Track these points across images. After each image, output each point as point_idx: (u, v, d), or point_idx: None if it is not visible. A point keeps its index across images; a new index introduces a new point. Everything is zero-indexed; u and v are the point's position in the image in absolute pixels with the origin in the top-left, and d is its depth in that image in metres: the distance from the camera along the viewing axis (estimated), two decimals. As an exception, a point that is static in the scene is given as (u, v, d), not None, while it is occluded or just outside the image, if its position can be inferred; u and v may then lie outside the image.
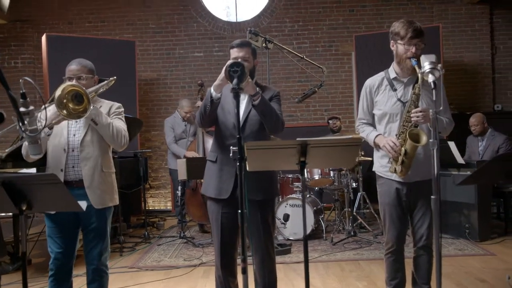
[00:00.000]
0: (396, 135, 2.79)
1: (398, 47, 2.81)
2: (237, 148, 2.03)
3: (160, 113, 8.12)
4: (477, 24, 7.86)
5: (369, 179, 6.05)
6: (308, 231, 5.40)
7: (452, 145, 5.18)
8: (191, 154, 5.95)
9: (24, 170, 4.47)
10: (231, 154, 2.30)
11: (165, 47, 8.16)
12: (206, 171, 2.88)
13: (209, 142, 5.62)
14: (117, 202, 2.90)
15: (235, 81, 2.18)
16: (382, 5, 8.04)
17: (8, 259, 4.73)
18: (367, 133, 2.97)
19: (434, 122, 2.32)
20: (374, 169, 3.02)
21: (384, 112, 2.86)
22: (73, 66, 2.81)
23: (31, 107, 2.04)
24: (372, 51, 6.95)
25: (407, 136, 2.68)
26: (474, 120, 6.06)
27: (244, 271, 2.05)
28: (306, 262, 2.25)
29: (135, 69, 7.44)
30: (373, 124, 2.99)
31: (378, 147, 2.89)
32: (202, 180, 5.68)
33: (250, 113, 2.75)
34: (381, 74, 2.96)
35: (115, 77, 3.05)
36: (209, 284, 3.95)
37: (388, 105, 2.85)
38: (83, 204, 2.15)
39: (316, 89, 5.72)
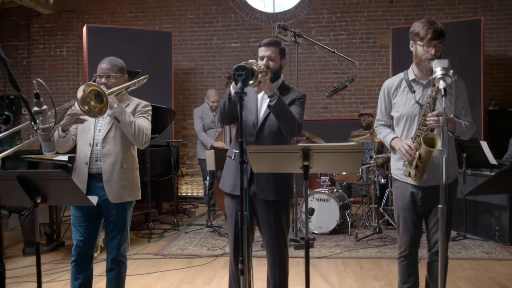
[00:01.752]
0: (411, 138, 2.76)
1: (418, 48, 2.76)
2: (239, 151, 2.08)
3: (196, 102, 8.25)
4: (523, 16, 7.52)
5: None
6: (333, 226, 5.43)
7: (484, 144, 5.03)
8: (219, 144, 6.06)
9: (60, 157, 4.73)
10: (233, 157, 2.34)
11: (203, 37, 8.28)
12: (225, 166, 2.95)
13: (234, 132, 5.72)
14: (138, 197, 3.01)
15: (239, 84, 2.21)
16: (423, -4, 7.82)
17: (45, 240, 5.03)
18: (384, 135, 2.96)
19: (444, 130, 2.28)
20: (391, 171, 3.00)
21: (402, 114, 2.82)
22: (103, 65, 2.91)
23: (44, 107, 2.18)
24: (409, 45, 6.77)
25: (422, 140, 2.65)
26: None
27: (243, 273, 2.11)
28: (307, 263, 2.29)
29: (172, 59, 7.60)
30: (391, 126, 2.97)
31: (394, 149, 2.88)
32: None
33: (271, 114, 2.76)
34: (400, 75, 2.92)
35: (147, 76, 3.16)
36: (228, 276, 4.05)
37: (406, 107, 2.81)
38: (93, 199, 2.29)
39: (347, 83, 5.68)
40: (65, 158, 4.66)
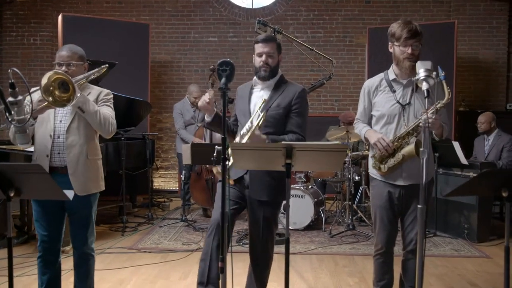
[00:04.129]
0: (395, 136, 2.78)
1: (395, 49, 2.81)
2: (221, 148, 2.07)
3: (173, 96, 8.21)
4: (495, 21, 7.72)
5: (373, 174, 6.08)
6: (308, 222, 5.48)
7: (456, 145, 5.16)
8: (197, 140, 6.04)
9: (31, 148, 4.61)
10: (214, 154, 2.34)
11: (180, 30, 8.21)
12: None
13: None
14: (102, 188, 2.94)
15: (223, 80, 2.19)
16: (400, -3, 7.95)
17: (15, 232, 4.92)
18: (360, 129, 3.02)
19: (426, 131, 2.32)
20: (368, 170, 3.05)
21: (382, 114, 2.87)
22: (63, 52, 2.79)
23: (20, 97, 2.09)
24: (385, 45, 6.83)
25: (416, 143, 2.68)
26: (482, 118, 6.02)
27: (222, 271, 2.10)
28: (287, 260, 2.31)
29: (149, 51, 7.51)
30: (369, 125, 3.01)
31: (367, 141, 2.92)
32: (207, 166, 5.86)
33: (267, 115, 2.77)
34: (380, 75, 2.96)
35: (107, 65, 3.07)
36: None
37: (387, 107, 2.85)
38: (69, 193, 2.23)
39: (325, 81, 5.74)
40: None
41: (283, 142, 2.41)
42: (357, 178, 5.80)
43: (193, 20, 8.20)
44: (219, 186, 2.86)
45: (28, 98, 2.34)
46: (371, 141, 2.87)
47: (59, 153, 2.76)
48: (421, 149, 2.24)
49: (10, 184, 2.12)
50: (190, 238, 5.09)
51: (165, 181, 8.41)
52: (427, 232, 5.32)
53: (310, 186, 5.80)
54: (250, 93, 2.94)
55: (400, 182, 2.83)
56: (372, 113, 2.95)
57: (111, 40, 7.00)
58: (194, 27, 8.20)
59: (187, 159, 5.48)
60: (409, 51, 2.73)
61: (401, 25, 2.76)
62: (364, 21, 7.97)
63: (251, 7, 8.30)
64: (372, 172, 2.97)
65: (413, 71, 2.73)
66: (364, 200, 6.16)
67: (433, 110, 2.63)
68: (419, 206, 2.26)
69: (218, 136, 5.73)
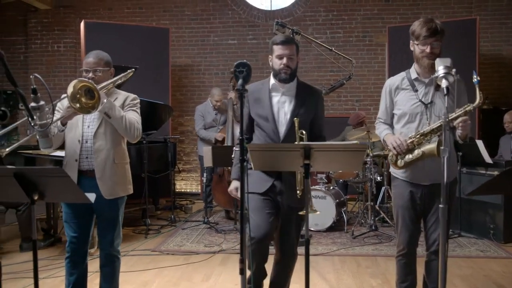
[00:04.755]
0: (419, 133, 2.75)
1: (415, 47, 2.79)
2: (239, 149, 2.09)
3: (194, 99, 8.28)
4: (518, 16, 7.57)
5: (395, 174, 6.01)
6: (330, 223, 5.46)
7: (480, 143, 5.07)
8: (221, 136, 6.08)
9: (57, 153, 4.72)
10: (233, 155, 2.35)
11: (200, 34, 8.28)
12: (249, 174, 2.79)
13: (238, 129, 5.73)
14: (130, 191, 3.00)
15: (240, 81, 2.18)
16: (419, -5, 7.86)
17: (42, 235, 5.04)
18: (380, 131, 3.01)
19: (446, 129, 2.29)
20: (390, 170, 3.02)
21: (404, 112, 2.84)
22: (90, 59, 2.87)
23: (42, 102, 2.14)
24: (406, 43, 6.76)
25: (438, 142, 2.65)
26: (509, 117, 5.89)
27: (242, 272, 2.11)
28: (307, 261, 2.31)
29: (169, 55, 7.60)
30: (391, 124, 2.99)
31: (385, 143, 2.91)
32: (229, 168, 5.88)
33: (294, 120, 2.71)
34: (402, 74, 2.93)
35: (133, 69, 3.14)
36: (225, 273, 4.09)
37: (408, 105, 2.82)
38: (91, 197, 2.27)
39: (344, 81, 5.69)
40: (62, 153, 4.64)
41: (300, 143, 2.40)
42: (379, 178, 5.75)
43: (213, 23, 8.26)
44: (252, 198, 2.75)
45: (52, 103, 2.40)
46: (387, 143, 2.86)
47: (87, 157, 2.84)
48: (442, 147, 2.22)
49: (34, 187, 2.18)
50: (212, 240, 5.13)
51: (187, 183, 8.48)
52: (451, 233, 5.23)
53: (331, 187, 5.78)
54: (270, 97, 2.84)
55: (422, 182, 2.79)
56: (393, 111, 2.92)
57: (132, 45, 7.10)
58: (213, 30, 8.26)
59: (208, 161, 5.54)
60: (428, 49, 2.70)
61: (421, 23, 2.74)
62: (384, 20, 7.90)
63: (269, 9, 8.32)
64: (394, 171, 2.94)
65: (432, 69, 2.70)
66: (387, 200, 6.09)
67: (461, 112, 2.60)
68: (440, 205, 2.22)
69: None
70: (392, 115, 2.94)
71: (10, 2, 8.03)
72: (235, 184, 2.87)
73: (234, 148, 2.77)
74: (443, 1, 7.81)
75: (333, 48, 5.52)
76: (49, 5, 8.16)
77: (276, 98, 2.84)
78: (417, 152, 2.74)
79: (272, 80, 2.87)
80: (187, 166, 8.48)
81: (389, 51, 7.14)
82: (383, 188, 5.93)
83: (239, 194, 2.53)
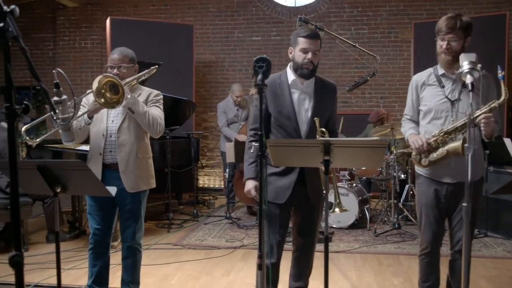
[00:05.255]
0: (443, 131, 2.70)
1: (436, 43, 2.76)
2: (258, 144, 2.08)
3: (217, 95, 8.32)
4: (551, 11, 7.33)
5: (419, 172, 5.92)
6: (352, 220, 5.42)
7: (508, 141, 4.95)
8: (241, 137, 6.09)
9: (83, 147, 4.81)
10: (252, 151, 2.34)
11: (224, 30, 8.31)
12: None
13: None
14: (153, 185, 3.06)
15: (260, 76, 2.15)
16: (447, -10, 7.69)
17: (67, 227, 5.15)
18: (405, 130, 2.97)
19: (470, 126, 2.24)
20: (415, 167, 2.98)
21: (430, 108, 2.79)
22: (114, 56, 2.92)
23: (64, 96, 2.19)
24: (432, 40, 6.66)
25: (463, 140, 2.59)
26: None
27: (260, 267, 2.11)
28: (326, 258, 2.31)
29: (193, 52, 7.65)
30: (417, 121, 2.94)
31: (408, 142, 2.88)
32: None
33: (314, 117, 2.68)
34: (429, 70, 2.89)
35: (157, 66, 3.17)
36: (246, 268, 4.10)
37: (434, 101, 2.78)
38: (112, 190, 2.32)
39: (369, 77, 5.63)
40: (87, 148, 4.72)
41: (320, 138, 2.38)
42: (402, 176, 5.68)
43: (237, 20, 8.27)
44: (270, 210, 2.64)
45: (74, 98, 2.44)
46: (409, 142, 2.82)
47: (111, 151, 2.90)
48: (466, 145, 2.17)
49: (57, 180, 2.23)
50: (234, 236, 5.15)
51: (210, 179, 8.54)
52: (477, 232, 5.13)
53: (354, 184, 5.73)
54: (290, 94, 2.74)
55: (447, 180, 2.74)
56: (419, 108, 2.88)
57: (157, 42, 7.18)
58: (237, 27, 8.27)
59: (230, 157, 5.57)
60: (444, 45, 2.67)
61: (444, 19, 2.71)
62: (410, 16, 7.77)
63: (294, 5, 8.28)
64: (418, 168, 2.89)
65: (449, 65, 2.70)
66: (410, 198, 6.01)
67: (486, 109, 2.54)
68: (464, 204, 2.18)
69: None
70: (418, 111, 2.90)
71: (40, 0, 8.21)
72: (253, 183, 2.72)
73: (246, 145, 2.74)
74: (471, -4, 7.64)
75: (357, 45, 5.46)
76: (77, 2, 8.31)
77: (295, 94, 2.74)
78: (441, 150, 2.69)
79: (291, 75, 2.76)
80: (210, 162, 8.53)
81: (415, 47, 7.03)
82: (407, 186, 5.85)
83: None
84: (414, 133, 2.86)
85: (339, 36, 5.45)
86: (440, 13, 7.60)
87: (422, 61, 6.71)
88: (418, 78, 2.88)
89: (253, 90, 6.14)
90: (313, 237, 2.90)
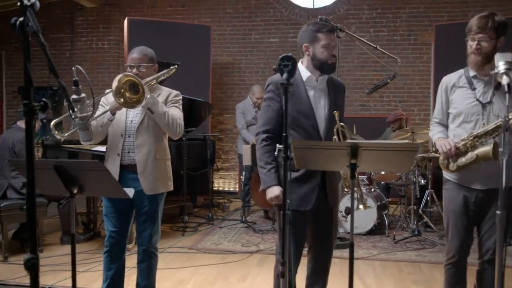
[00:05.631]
0: (473, 135, 2.59)
1: (467, 43, 2.66)
2: (283, 146, 1.99)
3: (234, 97, 8.26)
4: None
5: (439, 176, 5.76)
6: (370, 226, 5.30)
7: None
8: (259, 142, 6.00)
9: (99, 148, 4.77)
10: (276, 153, 2.23)
11: (241, 32, 8.25)
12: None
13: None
14: (170, 188, 2.99)
15: (285, 75, 2.03)
16: (469, -8, 7.54)
17: (82, 229, 5.11)
18: (433, 134, 2.85)
19: (504, 130, 2.13)
20: (443, 172, 2.86)
21: (459, 111, 2.68)
22: (134, 55, 2.87)
23: (83, 95, 2.11)
24: (453, 42, 6.54)
25: (494, 144, 2.48)
26: None
27: (283, 275, 2.02)
28: (351, 267, 2.21)
29: (210, 53, 7.60)
30: (446, 124, 2.83)
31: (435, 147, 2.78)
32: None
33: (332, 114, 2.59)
34: (460, 71, 2.77)
35: (176, 66, 3.11)
36: (262, 273, 4.01)
37: (464, 104, 2.66)
38: (130, 192, 2.25)
39: (389, 80, 5.53)
40: (103, 148, 4.69)
41: (348, 141, 2.30)
42: (423, 181, 5.54)
43: (254, 21, 8.21)
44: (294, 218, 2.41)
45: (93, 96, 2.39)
46: (437, 146, 2.71)
47: (129, 152, 2.84)
48: (501, 149, 2.06)
49: (74, 181, 2.17)
50: (250, 240, 5.06)
51: (225, 182, 8.47)
52: (509, 240, 4.96)
53: (372, 189, 5.61)
54: (307, 91, 2.63)
55: (477, 186, 2.62)
56: (449, 110, 2.76)
57: (174, 42, 7.13)
58: (255, 29, 8.21)
59: (247, 160, 5.49)
60: (474, 46, 2.56)
61: (476, 18, 2.60)
62: (430, 18, 7.63)
63: (312, 7, 8.19)
64: (446, 173, 2.78)
65: (480, 67, 2.59)
66: (430, 204, 5.87)
67: None
68: (498, 212, 2.07)
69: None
70: (448, 115, 2.78)
71: (59, 0, 8.24)
72: (278, 188, 2.52)
73: (260, 150, 2.60)
74: (493, -2, 7.48)
75: (377, 46, 5.35)
76: (95, 3, 8.33)
77: (311, 92, 2.65)
78: (470, 155, 2.57)
79: (305, 72, 2.63)
80: (225, 165, 8.46)
81: (436, 50, 6.89)
82: (427, 192, 5.71)
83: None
84: (442, 137, 2.75)
85: (360, 38, 5.34)
86: (461, 15, 7.48)
87: (443, 64, 6.57)
88: (448, 79, 2.77)
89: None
90: (332, 243, 2.81)
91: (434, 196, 5.67)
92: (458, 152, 2.61)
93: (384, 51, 5.40)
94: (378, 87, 5.49)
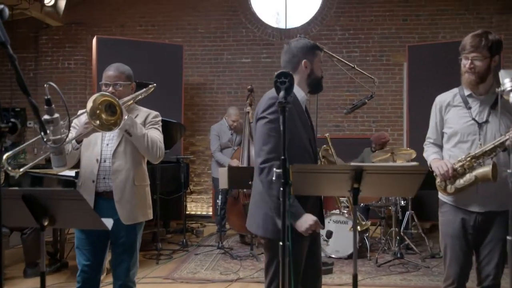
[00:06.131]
0: (470, 155, 2.49)
1: (461, 62, 2.59)
2: (281, 170, 1.82)
3: (206, 118, 8.07)
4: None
5: (419, 197, 5.72)
6: (351, 250, 5.14)
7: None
8: (235, 163, 5.82)
9: (67, 172, 4.45)
10: (274, 178, 2.05)
11: (213, 52, 8.10)
12: None
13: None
14: (150, 217, 2.78)
15: (282, 93, 1.87)
16: (438, 14, 7.62)
17: (47, 259, 4.75)
18: (427, 154, 2.76)
19: (510, 150, 2.04)
20: (438, 194, 2.74)
21: (455, 131, 2.60)
22: (110, 72, 2.68)
23: (56, 115, 1.88)
24: (425, 63, 6.62)
25: (493, 165, 2.40)
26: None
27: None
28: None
29: (182, 73, 7.39)
30: (440, 144, 2.73)
31: (431, 168, 2.66)
32: (245, 190, 5.61)
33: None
34: (454, 90, 2.71)
35: (154, 84, 2.94)
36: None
37: (460, 123, 2.58)
38: (108, 223, 2.01)
39: (367, 100, 5.46)
40: (71, 173, 4.38)
41: (352, 164, 2.15)
42: (403, 202, 5.46)
43: (226, 41, 8.09)
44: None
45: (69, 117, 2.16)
46: (433, 167, 2.60)
47: (104, 178, 2.61)
48: (509, 171, 1.95)
49: (45, 211, 1.91)
50: (228, 267, 4.82)
51: (197, 205, 8.20)
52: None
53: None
54: (302, 111, 2.46)
55: (475, 208, 2.52)
56: (443, 130, 2.67)
57: (145, 62, 6.89)
58: (227, 49, 8.08)
59: (224, 183, 5.28)
60: (467, 65, 2.51)
61: (470, 36, 2.56)
62: (402, 39, 7.69)
63: (284, 27, 8.15)
64: (442, 195, 2.66)
65: (474, 86, 2.53)
66: (411, 226, 5.79)
67: None
68: (508, 237, 1.95)
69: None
70: (442, 134, 2.68)
71: (22, 18, 7.89)
72: (311, 216, 2.21)
73: (275, 169, 2.42)
74: (462, 20, 7.60)
75: (355, 66, 5.30)
76: (60, 21, 8.03)
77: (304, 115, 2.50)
78: (468, 176, 2.48)
79: (300, 91, 2.47)
80: (197, 188, 8.21)
81: (409, 70, 6.92)
82: (407, 213, 5.64)
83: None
84: (438, 158, 2.65)
85: (338, 57, 5.27)
86: (431, 36, 7.58)
87: (416, 84, 6.62)
88: (442, 99, 2.69)
89: (248, 108, 5.92)
90: (320, 266, 2.65)
91: (415, 217, 5.60)
92: (456, 174, 2.51)
93: (362, 71, 5.35)
94: (356, 107, 5.41)
